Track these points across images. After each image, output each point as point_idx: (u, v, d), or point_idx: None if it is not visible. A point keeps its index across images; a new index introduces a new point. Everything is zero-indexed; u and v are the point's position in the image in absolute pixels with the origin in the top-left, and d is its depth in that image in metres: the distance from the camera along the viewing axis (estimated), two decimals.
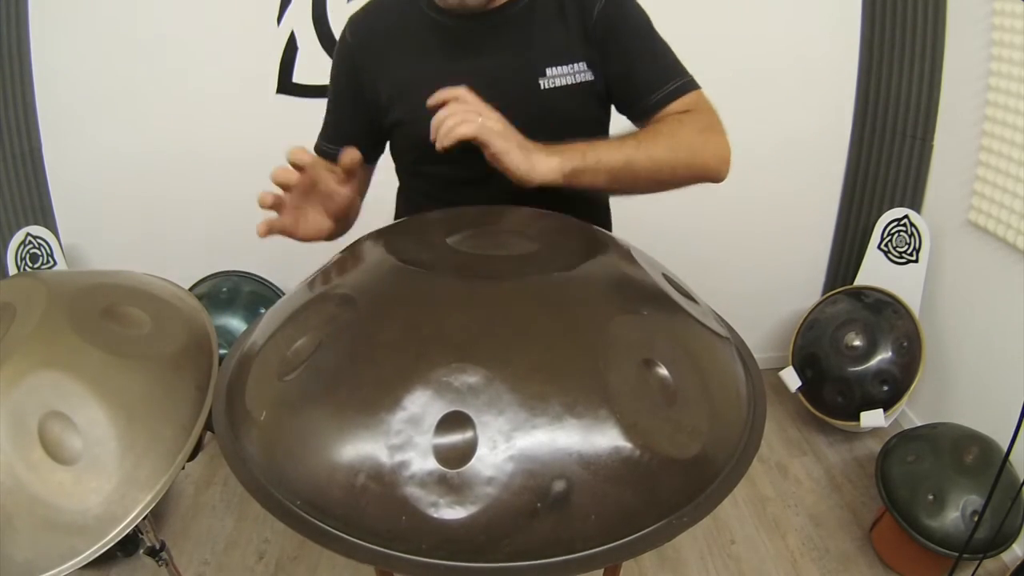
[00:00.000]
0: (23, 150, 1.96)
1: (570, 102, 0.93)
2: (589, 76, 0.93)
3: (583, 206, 1.02)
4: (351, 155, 0.78)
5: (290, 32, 1.86)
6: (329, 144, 1.03)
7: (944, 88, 1.94)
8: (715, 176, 0.90)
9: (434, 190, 1.03)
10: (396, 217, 1.16)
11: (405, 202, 1.13)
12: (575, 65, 0.92)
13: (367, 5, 0.99)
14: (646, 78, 0.93)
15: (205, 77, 1.90)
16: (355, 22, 0.98)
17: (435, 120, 0.76)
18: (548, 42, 0.91)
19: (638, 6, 0.95)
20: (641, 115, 0.95)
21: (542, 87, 0.91)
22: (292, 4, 1.83)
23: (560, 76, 0.91)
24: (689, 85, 0.94)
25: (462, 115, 0.75)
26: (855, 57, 2.00)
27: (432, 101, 0.77)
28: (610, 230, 1.14)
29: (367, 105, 0.98)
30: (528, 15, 0.91)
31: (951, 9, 1.87)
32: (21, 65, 1.87)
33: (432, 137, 0.75)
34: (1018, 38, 1.60)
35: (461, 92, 0.77)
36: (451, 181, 0.98)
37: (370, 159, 1.03)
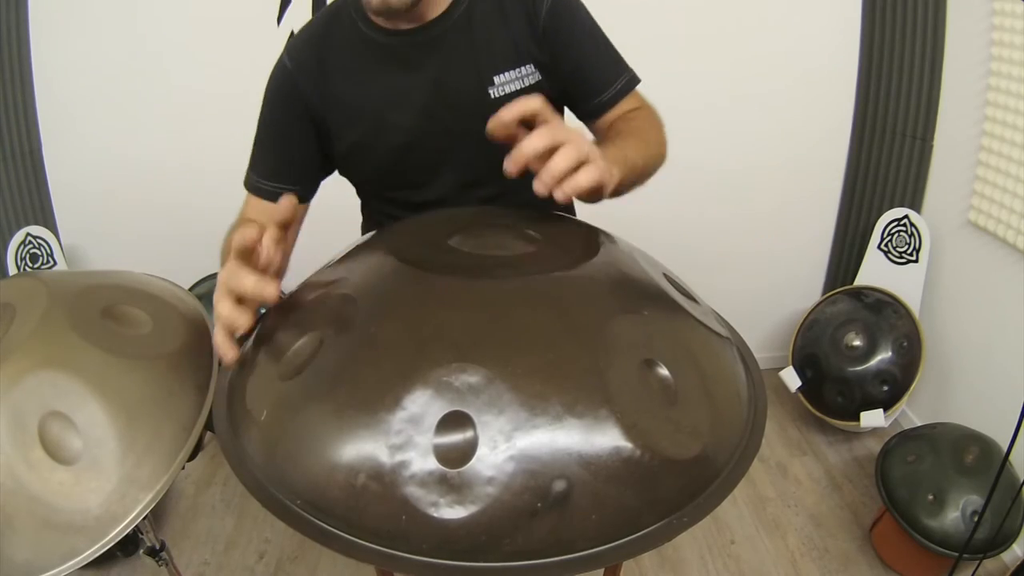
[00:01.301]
0: (23, 150, 1.96)
1: None
2: (537, 77, 0.91)
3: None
4: (287, 204, 0.65)
5: (290, 32, 1.86)
6: (265, 180, 0.93)
7: (944, 88, 1.94)
8: (659, 168, 0.90)
9: (399, 211, 1.00)
10: (363, 232, 1.12)
11: (371, 223, 1.10)
12: (522, 68, 0.89)
13: (303, 31, 0.93)
14: (597, 76, 0.93)
15: (205, 77, 1.90)
16: (293, 48, 0.92)
17: (525, 153, 0.61)
18: (492, 49, 0.88)
19: (583, 6, 0.94)
20: (591, 113, 0.95)
21: (492, 96, 0.89)
22: (292, 4, 1.83)
23: (509, 82, 0.89)
24: (633, 80, 0.95)
25: (576, 153, 0.62)
26: (855, 57, 2.00)
27: (511, 115, 0.65)
28: None
29: (310, 133, 0.92)
30: (467, 24, 0.88)
31: (951, 9, 1.87)
32: (21, 65, 1.87)
33: (542, 187, 0.61)
34: (1018, 38, 1.60)
35: (539, 107, 0.65)
36: (417, 204, 0.97)
37: (307, 195, 0.96)
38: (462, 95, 0.88)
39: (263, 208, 0.92)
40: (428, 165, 0.94)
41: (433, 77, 0.88)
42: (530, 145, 0.61)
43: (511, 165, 0.62)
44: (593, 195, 0.67)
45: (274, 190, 0.92)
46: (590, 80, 0.93)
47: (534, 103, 0.64)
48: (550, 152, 0.61)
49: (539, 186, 0.61)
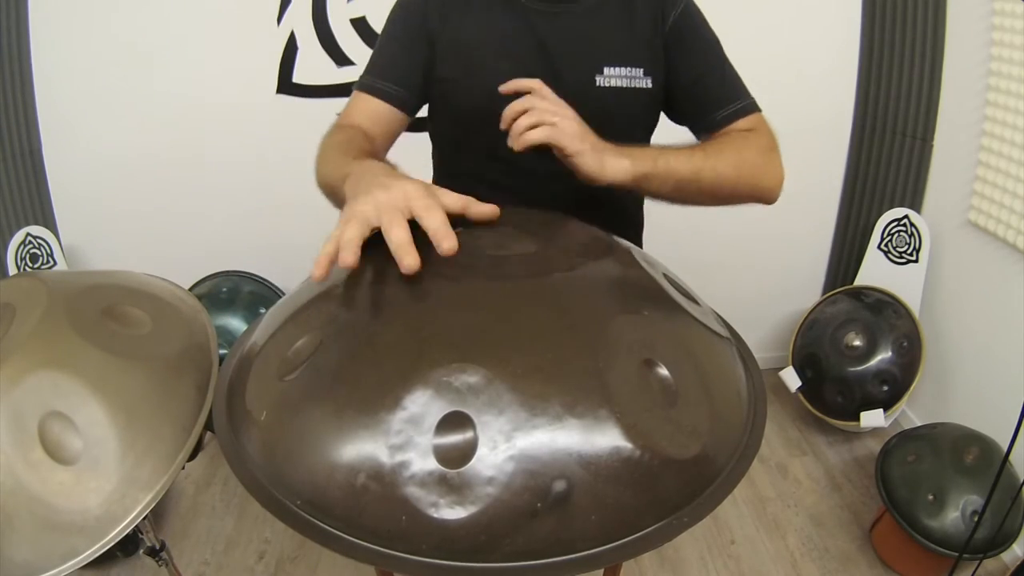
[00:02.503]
0: (23, 150, 1.96)
1: (622, 104, 0.94)
2: (646, 83, 0.93)
3: (617, 217, 1.05)
4: (490, 210, 0.64)
5: (290, 32, 1.86)
6: (381, 80, 0.96)
7: (944, 88, 1.94)
8: (769, 198, 0.92)
9: (477, 167, 1.00)
10: None
11: (445, 181, 1.10)
12: (633, 69, 0.92)
13: None
14: (714, 94, 0.94)
15: (205, 77, 1.90)
16: None
17: (507, 113, 0.76)
18: (611, 41, 0.92)
19: (709, 25, 0.97)
20: (704, 129, 0.96)
21: (598, 84, 0.92)
22: (292, 4, 1.83)
23: (616, 77, 0.92)
24: (752, 106, 0.95)
25: (538, 116, 0.74)
26: (855, 57, 2.00)
27: (505, 88, 0.77)
28: (640, 243, 1.15)
29: (425, 51, 0.96)
30: (597, 10, 0.92)
31: (951, 9, 1.87)
32: (21, 65, 1.87)
33: (504, 127, 0.76)
34: (1018, 38, 1.60)
35: (536, 85, 0.77)
36: (496, 157, 0.95)
37: (409, 105, 0.98)
38: (572, 73, 0.92)
39: (371, 110, 0.94)
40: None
41: (550, 47, 0.92)
42: (512, 108, 0.76)
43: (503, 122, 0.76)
44: (567, 162, 0.77)
45: (385, 88, 0.94)
46: (705, 96, 0.94)
47: (533, 82, 0.76)
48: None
49: (510, 143, 0.75)
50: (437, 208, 0.56)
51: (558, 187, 0.97)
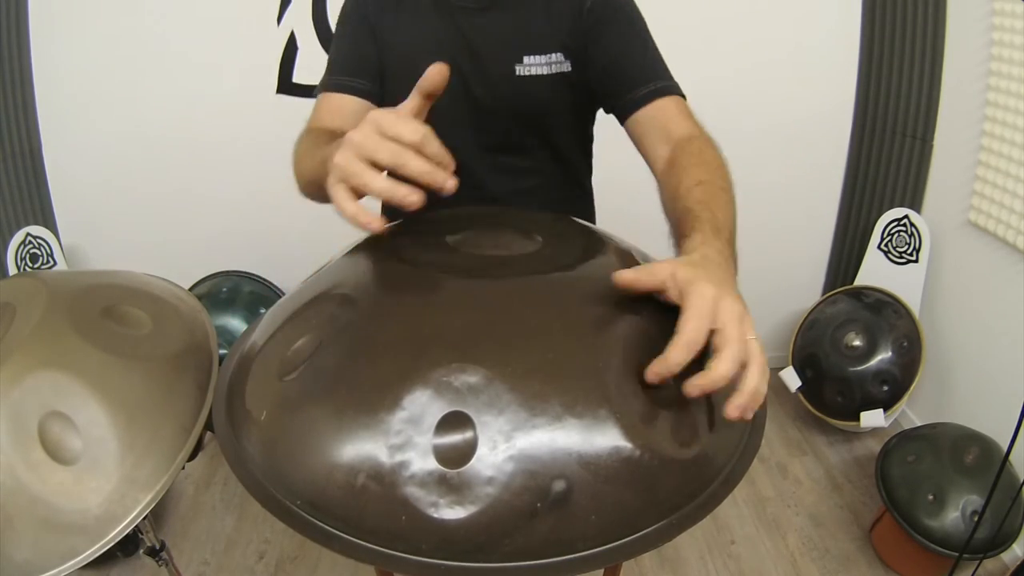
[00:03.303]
0: (23, 150, 1.96)
1: (545, 90, 0.95)
2: (567, 67, 0.94)
3: (565, 204, 1.07)
4: (438, 70, 0.60)
5: (290, 32, 1.86)
6: (343, 76, 0.95)
7: (944, 88, 1.94)
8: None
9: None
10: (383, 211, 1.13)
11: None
12: (552, 55, 0.93)
13: None
14: (632, 73, 0.91)
15: (205, 77, 1.90)
16: None
17: (709, 382, 0.47)
18: (530, 32, 0.93)
19: (634, 7, 0.96)
20: (624, 110, 0.92)
21: (517, 73, 0.93)
22: (292, 4, 1.83)
23: (536, 65, 0.93)
24: (674, 88, 0.91)
25: (764, 370, 0.50)
26: (855, 57, 2.00)
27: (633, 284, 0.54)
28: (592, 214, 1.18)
29: (373, 42, 0.97)
30: (518, 4, 0.93)
31: (951, 9, 1.87)
32: (21, 65, 1.87)
33: (736, 412, 0.48)
34: (1018, 38, 1.60)
35: (668, 282, 0.54)
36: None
37: (380, 99, 0.97)
38: (495, 65, 0.94)
39: (339, 107, 0.94)
40: (450, 119, 0.91)
41: (474, 42, 0.93)
42: (721, 373, 0.48)
43: (655, 377, 0.48)
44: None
45: (355, 85, 0.94)
46: (624, 74, 0.92)
47: (662, 275, 0.53)
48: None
49: (733, 411, 0.48)
50: (421, 128, 0.56)
51: (498, 180, 1.02)
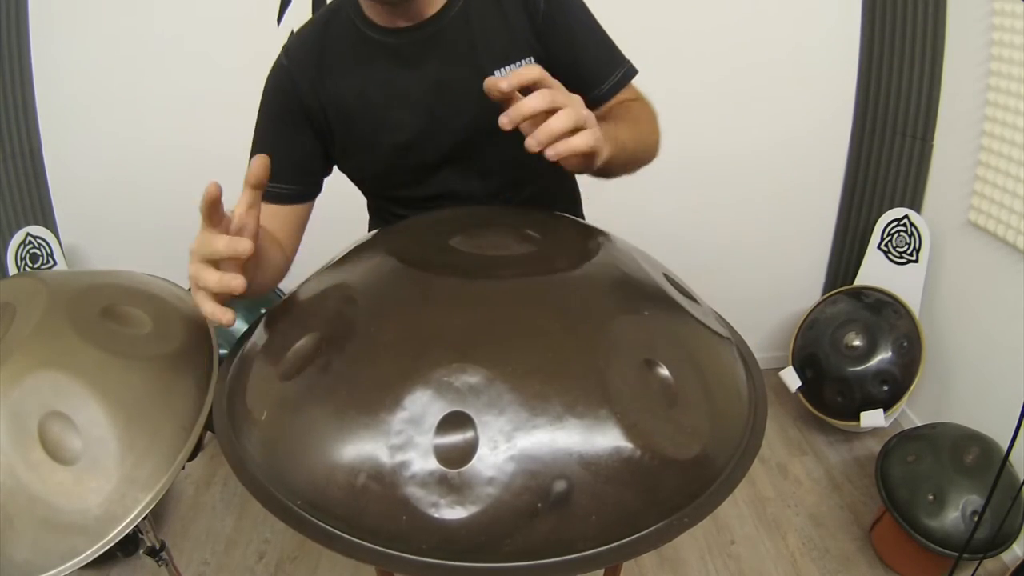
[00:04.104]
0: (23, 150, 1.96)
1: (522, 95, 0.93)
2: None
3: (559, 205, 1.04)
4: (261, 164, 0.61)
5: (290, 32, 1.86)
6: (270, 182, 0.90)
7: (944, 88, 1.94)
8: (652, 160, 0.92)
9: (404, 209, 1.00)
10: (370, 231, 1.12)
11: (377, 220, 1.10)
12: (522, 62, 0.89)
13: (301, 31, 0.92)
14: (595, 68, 0.93)
15: (205, 77, 1.90)
16: (291, 47, 0.91)
17: (521, 111, 0.62)
18: (491, 44, 0.89)
19: (578, 1, 0.94)
20: (592, 102, 0.92)
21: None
22: (292, 4, 1.83)
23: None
24: (631, 71, 0.95)
25: (575, 117, 0.63)
26: (855, 57, 2.00)
27: (505, 85, 0.64)
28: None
29: (308, 131, 0.91)
30: (464, 19, 0.88)
31: (951, 9, 1.87)
32: (21, 65, 1.87)
33: (535, 144, 0.62)
34: (1018, 38, 1.60)
35: (539, 73, 0.65)
36: (422, 200, 0.97)
37: (308, 195, 0.95)
38: (462, 90, 0.88)
39: (270, 216, 0.90)
40: (430, 162, 0.93)
41: (433, 74, 0.88)
42: (529, 104, 0.62)
43: (506, 120, 0.62)
44: (584, 163, 0.69)
45: (275, 191, 0.90)
46: (588, 72, 0.93)
47: (533, 71, 0.64)
48: (547, 114, 0.62)
49: (531, 143, 0.62)
50: (204, 271, 0.58)
51: (497, 203, 0.99)
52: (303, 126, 0.91)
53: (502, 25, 0.89)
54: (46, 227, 2.01)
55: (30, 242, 1.99)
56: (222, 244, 0.57)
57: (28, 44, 1.85)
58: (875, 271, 2.12)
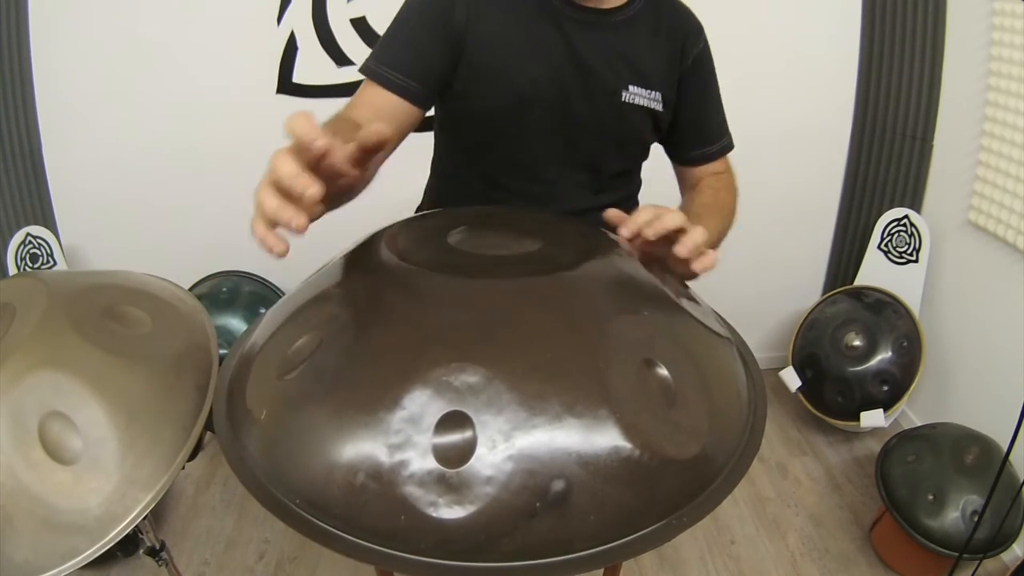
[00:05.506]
0: (23, 150, 1.96)
1: (639, 123, 0.97)
2: (659, 107, 0.96)
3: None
4: (376, 133, 0.59)
5: (290, 32, 1.86)
6: (392, 71, 0.87)
7: (944, 88, 1.94)
8: None
9: (493, 170, 0.99)
10: (427, 194, 1.16)
11: (445, 180, 1.10)
12: (652, 92, 0.94)
13: None
14: (708, 130, 1.02)
15: (205, 77, 1.90)
16: None
17: (660, 223, 0.65)
18: (637, 61, 0.93)
19: (713, 61, 1.01)
20: (689, 160, 1.03)
21: (623, 99, 0.93)
22: (292, 4, 1.83)
23: (639, 96, 0.94)
24: (731, 143, 1.05)
25: (705, 237, 0.67)
26: (855, 57, 2.00)
27: (626, 233, 0.66)
28: None
29: (445, 49, 0.89)
30: (630, 28, 0.92)
31: (951, 9, 1.87)
32: (21, 65, 1.87)
33: (680, 248, 0.65)
34: (1018, 38, 1.60)
35: (682, 225, 0.67)
36: (516, 162, 0.98)
37: (423, 102, 0.90)
38: (599, 84, 0.92)
39: (373, 102, 0.87)
40: (538, 130, 0.94)
41: (581, 56, 0.90)
42: (667, 222, 0.65)
43: (626, 230, 0.66)
44: (689, 270, 0.68)
45: (402, 82, 0.87)
46: (702, 132, 1.01)
47: (677, 220, 0.65)
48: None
49: (682, 250, 0.65)
50: (265, 192, 0.52)
51: (576, 195, 1.00)
52: (442, 35, 0.89)
53: (652, 51, 0.94)
54: (46, 227, 2.01)
55: (30, 242, 1.99)
56: (287, 170, 0.51)
57: (28, 44, 1.85)
58: (875, 271, 2.12)
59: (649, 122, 0.97)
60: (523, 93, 0.91)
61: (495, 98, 0.92)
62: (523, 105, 0.91)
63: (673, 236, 0.65)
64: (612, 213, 0.70)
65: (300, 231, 0.51)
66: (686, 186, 1.07)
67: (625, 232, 0.66)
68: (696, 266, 0.66)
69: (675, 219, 0.65)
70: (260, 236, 0.51)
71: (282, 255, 0.52)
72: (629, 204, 1.10)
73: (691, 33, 0.97)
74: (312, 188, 0.50)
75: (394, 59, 0.88)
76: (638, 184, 1.12)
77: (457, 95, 0.94)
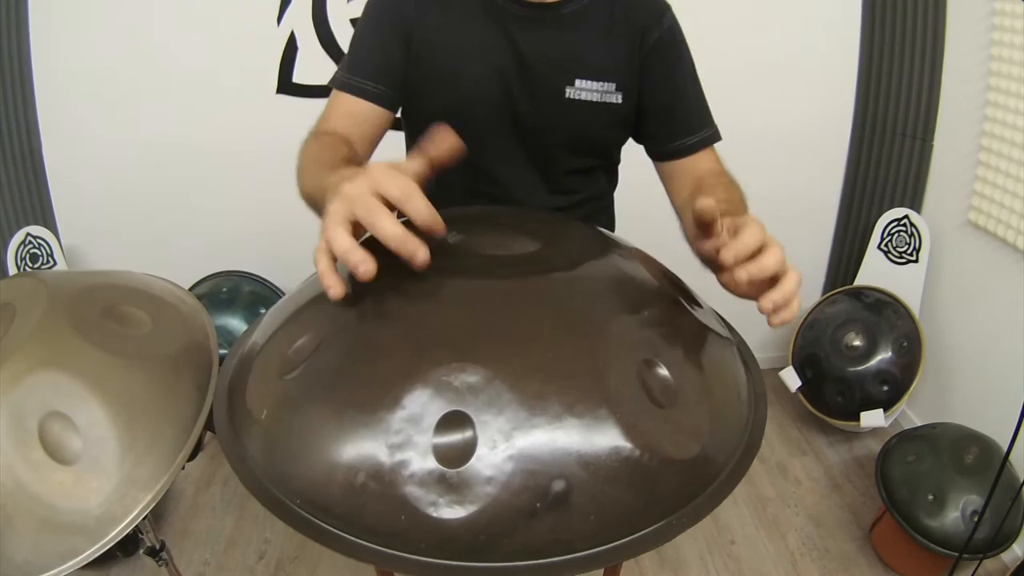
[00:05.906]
0: (23, 150, 1.96)
1: (590, 118, 0.93)
2: (617, 99, 0.92)
3: (595, 217, 1.06)
4: (453, 145, 0.59)
5: (290, 32, 1.86)
6: (359, 77, 0.89)
7: (944, 88, 1.94)
8: None
9: (449, 174, 0.99)
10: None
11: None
12: (605, 84, 0.90)
13: None
14: (686, 120, 0.94)
15: (205, 77, 1.90)
16: None
17: (740, 253, 0.58)
18: (586, 54, 0.90)
19: (687, 45, 0.96)
20: (669, 153, 0.95)
21: (567, 95, 0.90)
22: (292, 4, 1.83)
23: (587, 91, 0.90)
24: (717, 135, 0.96)
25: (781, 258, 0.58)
26: (855, 57, 2.00)
27: (732, 258, 0.59)
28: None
29: (400, 44, 0.90)
30: (576, 21, 0.89)
31: (951, 9, 1.87)
32: (21, 65, 1.87)
33: (765, 303, 0.59)
34: (1018, 38, 1.60)
35: (761, 232, 0.60)
36: (468, 164, 0.97)
37: (389, 101, 0.91)
38: (543, 81, 0.90)
39: (349, 112, 0.89)
40: (486, 131, 0.93)
41: (525, 52, 0.89)
42: (763, 269, 0.58)
43: (730, 256, 0.58)
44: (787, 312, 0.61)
45: (369, 88, 0.88)
46: (678, 121, 0.94)
47: (775, 264, 0.58)
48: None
49: (767, 304, 0.59)
50: (411, 185, 0.51)
51: (530, 195, 0.99)
52: (398, 37, 0.90)
53: (605, 40, 0.90)
54: (46, 227, 2.01)
55: (30, 242, 1.99)
56: (400, 187, 0.49)
57: (28, 44, 1.85)
58: (875, 271, 2.12)
59: (603, 116, 0.93)
60: (467, 93, 0.91)
61: (441, 97, 0.92)
62: (468, 105, 0.91)
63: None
64: (706, 205, 0.59)
65: (367, 277, 0.49)
66: (676, 193, 0.96)
67: (728, 257, 0.57)
68: (775, 320, 0.58)
69: (774, 261, 0.56)
70: (323, 271, 0.51)
71: (338, 299, 0.50)
72: (594, 205, 1.08)
73: (652, 15, 0.91)
74: (370, 266, 0.49)
75: (364, 68, 0.89)
76: (607, 185, 1.09)
77: (410, 95, 0.94)
